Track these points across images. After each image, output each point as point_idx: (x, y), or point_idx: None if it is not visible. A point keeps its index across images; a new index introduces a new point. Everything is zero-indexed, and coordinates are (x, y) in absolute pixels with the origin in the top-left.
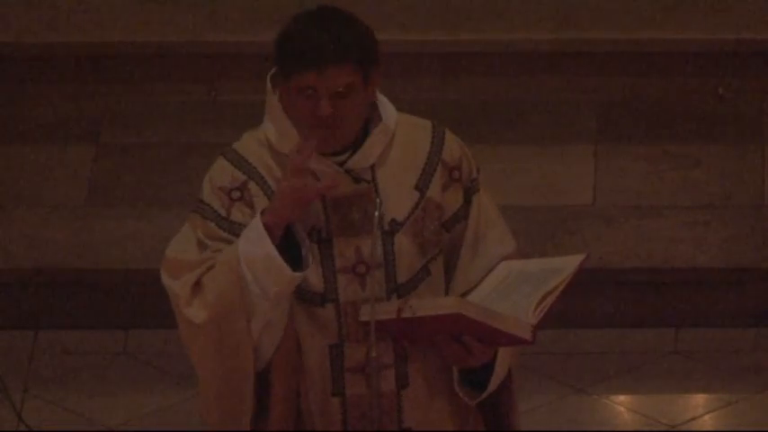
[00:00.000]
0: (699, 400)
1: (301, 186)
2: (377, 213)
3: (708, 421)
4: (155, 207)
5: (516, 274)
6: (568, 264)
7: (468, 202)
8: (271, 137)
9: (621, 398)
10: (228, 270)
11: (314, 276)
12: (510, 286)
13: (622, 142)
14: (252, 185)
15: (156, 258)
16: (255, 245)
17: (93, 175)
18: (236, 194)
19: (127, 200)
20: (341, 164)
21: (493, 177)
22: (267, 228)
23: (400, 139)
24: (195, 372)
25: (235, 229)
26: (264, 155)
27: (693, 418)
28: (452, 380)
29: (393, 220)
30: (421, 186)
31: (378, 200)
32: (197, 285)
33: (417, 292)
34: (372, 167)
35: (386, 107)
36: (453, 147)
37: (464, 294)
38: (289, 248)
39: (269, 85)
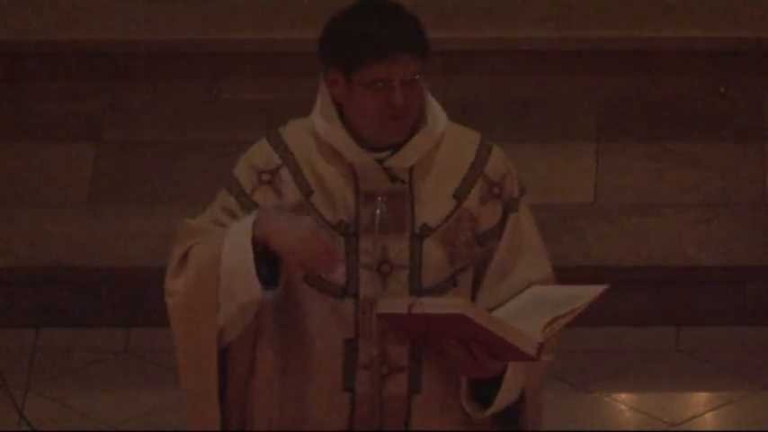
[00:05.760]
0: (700, 398)
1: (313, 256)
2: (378, 211)
3: (709, 420)
4: (156, 205)
5: (541, 298)
6: (588, 292)
7: (504, 220)
8: (320, 129)
9: (623, 396)
10: (209, 257)
11: (337, 269)
12: (530, 309)
13: (624, 140)
14: (284, 171)
15: (159, 256)
16: (237, 250)
17: (94, 173)
18: (266, 177)
19: (128, 198)
20: (380, 161)
21: None
22: (254, 240)
23: (446, 146)
24: None
25: (250, 208)
26: (307, 141)
27: (695, 417)
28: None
29: (425, 225)
30: (458, 196)
31: (379, 199)
32: (185, 257)
33: None
34: (411, 169)
35: (435, 111)
36: (498, 162)
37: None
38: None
39: (323, 85)
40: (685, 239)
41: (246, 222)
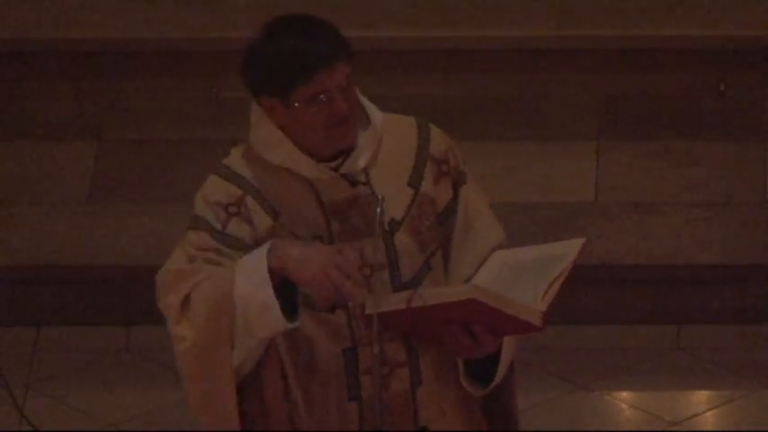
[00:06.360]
0: (701, 396)
1: (335, 285)
2: (378, 210)
3: (710, 418)
4: (156, 204)
5: (513, 264)
6: (570, 249)
7: (456, 194)
8: (269, 157)
9: (623, 394)
10: (220, 297)
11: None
12: (509, 277)
13: (624, 139)
14: (249, 200)
15: (159, 255)
16: (254, 287)
17: (95, 172)
18: (233, 209)
19: (129, 196)
20: (335, 169)
21: (495, 174)
22: (270, 272)
23: (388, 139)
24: None
25: (228, 241)
26: (258, 167)
27: (695, 415)
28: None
29: (392, 220)
30: (413, 183)
31: (380, 197)
32: (186, 301)
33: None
34: (365, 169)
35: (370, 108)
36: (439, 140)
37: None
38: (282, 291)
39: (256, 115)
40: (686, 238)
41: (259, 256)
